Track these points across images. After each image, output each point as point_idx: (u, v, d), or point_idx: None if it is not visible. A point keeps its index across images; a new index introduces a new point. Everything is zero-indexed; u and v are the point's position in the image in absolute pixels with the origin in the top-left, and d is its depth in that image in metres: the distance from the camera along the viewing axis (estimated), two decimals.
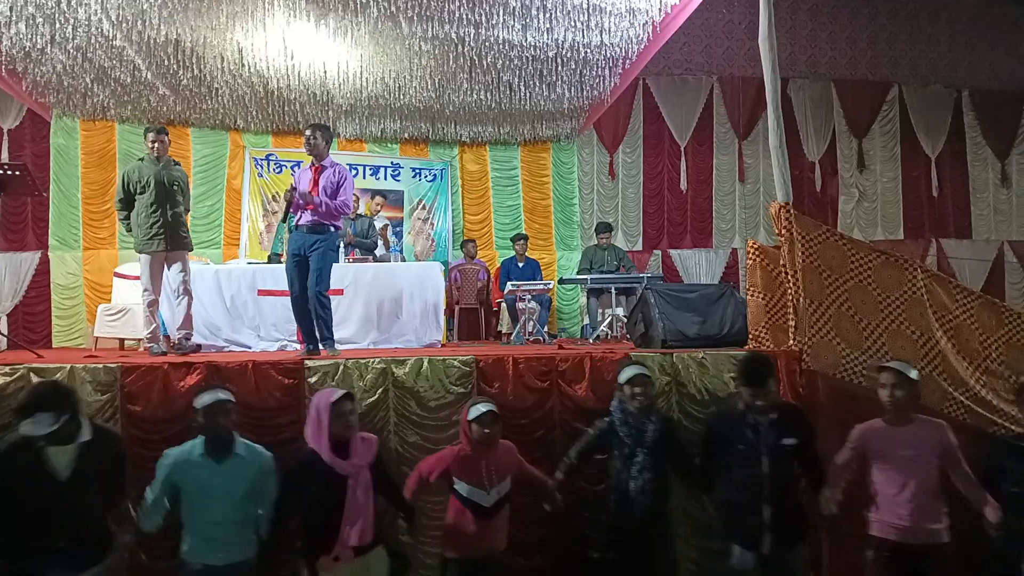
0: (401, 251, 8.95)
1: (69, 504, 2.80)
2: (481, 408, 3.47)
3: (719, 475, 3.54)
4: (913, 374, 3.36)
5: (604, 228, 8.37)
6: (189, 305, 5.46)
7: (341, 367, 4.30)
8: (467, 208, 9.95)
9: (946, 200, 10.69)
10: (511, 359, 4.46)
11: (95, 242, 8.83)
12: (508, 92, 8.10)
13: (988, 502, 3.33)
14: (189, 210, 5.63)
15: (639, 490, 3.59)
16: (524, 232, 9.31)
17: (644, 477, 3.59)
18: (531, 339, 7.41)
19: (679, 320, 5.37)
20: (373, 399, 4.27)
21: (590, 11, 6.39)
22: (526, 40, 6.88)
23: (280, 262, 6.77)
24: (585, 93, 8.28)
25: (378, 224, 8.06)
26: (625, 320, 6.95)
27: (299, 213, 4.99)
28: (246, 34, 6.64)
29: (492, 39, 6.86)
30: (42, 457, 2.78)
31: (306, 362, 4.33)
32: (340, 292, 6.07)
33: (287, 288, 5.08)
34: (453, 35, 6.72)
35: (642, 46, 7.09)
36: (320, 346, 4.94)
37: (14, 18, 6.19)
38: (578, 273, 8.27)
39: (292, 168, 9.07)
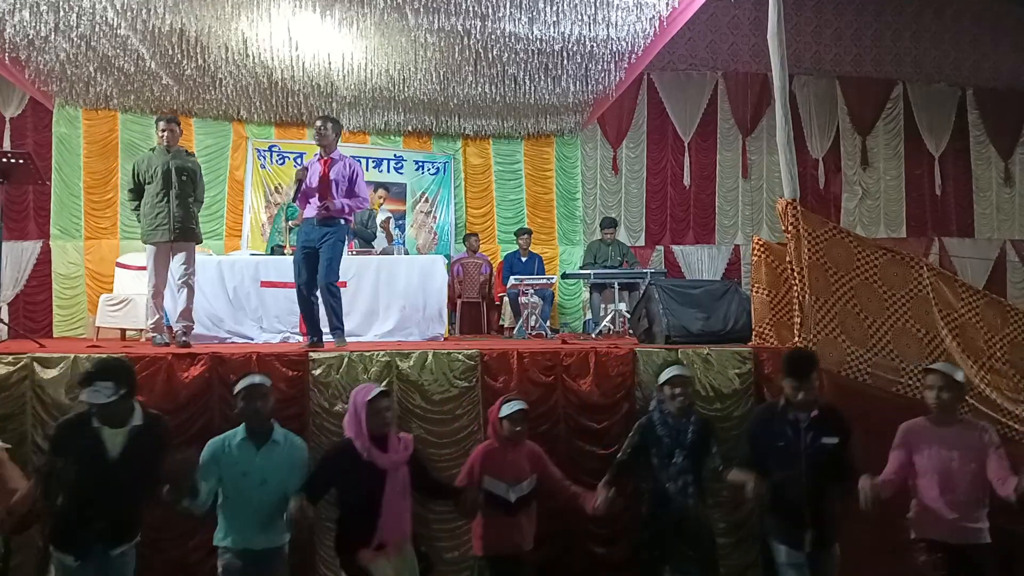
0: (404, 244, 8.93)
1: (116, 483, 2.92)
2: (515, 405, 3.52)
3: (763, 472, 3.50)
4: (959, 376, 3.39)
5: (608, 223, 8.37)
6: (189, 298, 5.27)
7: (346, 360, 4.29)
8: (470, 202, 9.93)
9: (949, 198, 10.67)
10: (516, 353, 4.46)
11: (97, 231, 8.81)
12: (513, 85, 8.09)
13: None
14: (202, 202, 5.43)
15: (678, 491, 3.61)
16: (527, 226, 9.31)
17: (684, 478, 3.62)
18: (533, 333, 7.42)
19: (683, 316, 5.36)
20: None
21: (597, 5, 6.38)
22: (532, 33, 6.86)
23: (283, 254, 6.77)
24: (589, 87, 8.26)
25: (381, 217, 8.03)
26: (628, 315, 6.94)
27: (306, 204, 4.99)
28: (251, 24, 6.61)
29: (498, 32, 6.84)
30: (99, 437, 2.94)
31: (310, 354, 4.33)
32: (344, 285, 6.04)
33: (290, 279, 5.07)
34: (459, 27, 6.70)
35: (648, 41, 7.07)
36: (324, 338, 4.92)
37: (18, 5, 6.17)
38: (581, 268, 8.26)
39: (295, 160, 9.03)
